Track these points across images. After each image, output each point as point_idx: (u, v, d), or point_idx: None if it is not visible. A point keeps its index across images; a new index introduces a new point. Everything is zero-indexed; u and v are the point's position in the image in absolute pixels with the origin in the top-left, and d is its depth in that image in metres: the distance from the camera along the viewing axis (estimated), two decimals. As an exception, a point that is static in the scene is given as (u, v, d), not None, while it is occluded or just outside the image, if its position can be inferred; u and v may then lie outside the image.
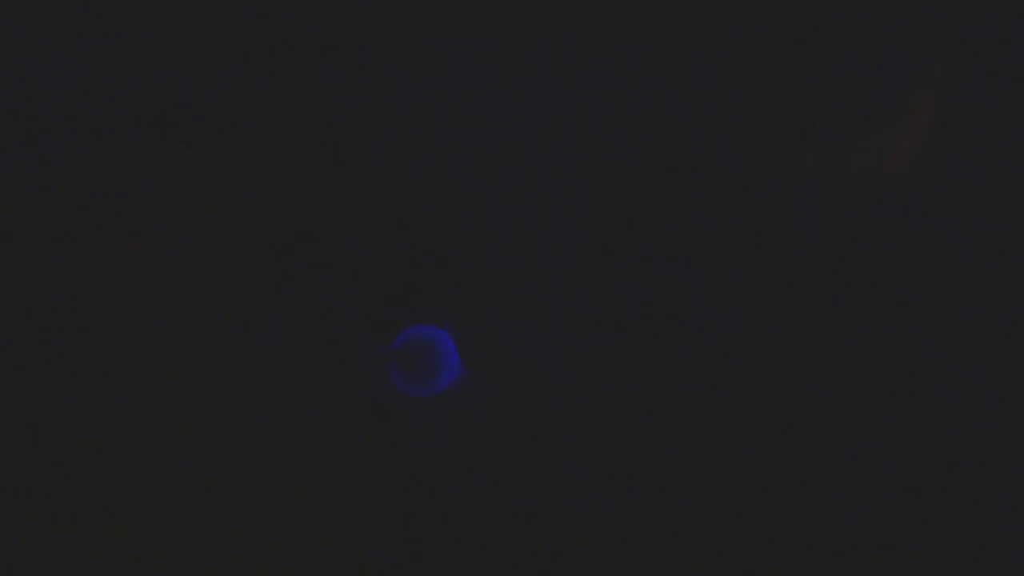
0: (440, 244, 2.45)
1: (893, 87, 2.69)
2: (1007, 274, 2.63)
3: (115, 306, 2.75)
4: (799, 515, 2.43)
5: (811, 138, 2.75)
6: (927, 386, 2.60)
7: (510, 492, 2.45)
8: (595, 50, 2.71)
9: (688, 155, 2.80)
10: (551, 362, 2.52)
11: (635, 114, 2.76)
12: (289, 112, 2.87)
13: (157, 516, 2.57)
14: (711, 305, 2.77)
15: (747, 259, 2.78)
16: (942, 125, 2.67)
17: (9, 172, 2.59)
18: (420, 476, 2.54)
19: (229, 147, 2.88)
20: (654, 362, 2.77)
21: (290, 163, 2.88)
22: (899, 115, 2.70)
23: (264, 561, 2.45)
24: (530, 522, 2.43)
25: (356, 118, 2.76)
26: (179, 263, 2.97)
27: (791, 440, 2.60)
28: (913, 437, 2.53)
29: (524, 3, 2.67)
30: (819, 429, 2.61)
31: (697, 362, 2.75)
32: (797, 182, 2.76)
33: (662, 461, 2.62)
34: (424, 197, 2.44)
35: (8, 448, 2.54)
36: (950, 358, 2.62)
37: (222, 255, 2.97)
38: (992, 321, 2.61)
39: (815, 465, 2.53)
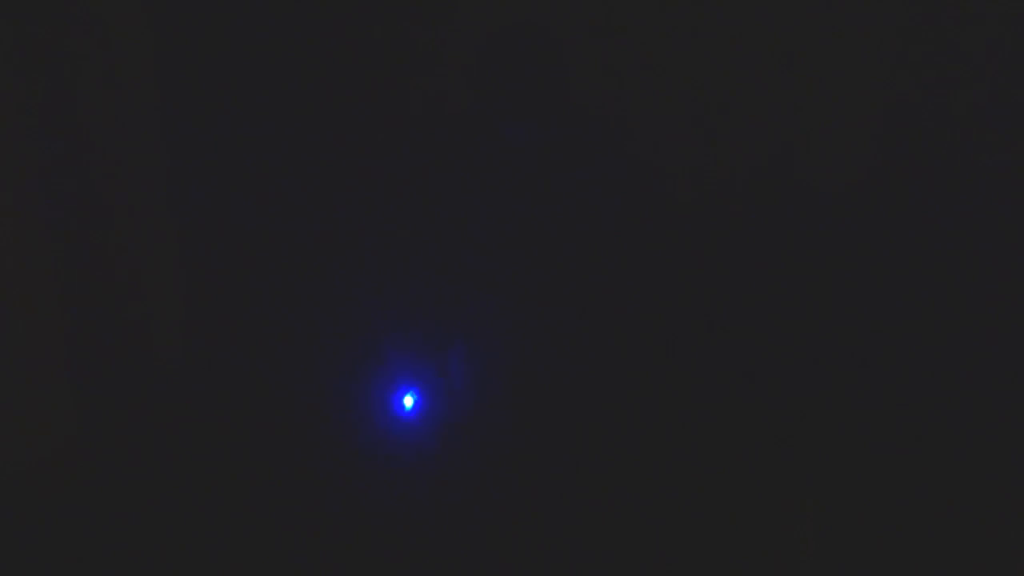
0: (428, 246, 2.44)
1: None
2: (1005, 274, 2.62)
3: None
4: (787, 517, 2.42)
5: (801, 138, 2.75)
6: (923, 386, 2.59)
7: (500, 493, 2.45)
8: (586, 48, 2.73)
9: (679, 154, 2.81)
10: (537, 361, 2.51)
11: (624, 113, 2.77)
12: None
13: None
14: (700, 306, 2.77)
15: (742, 259, 2.78)
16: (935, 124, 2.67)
17: None
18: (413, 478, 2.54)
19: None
20: (648, 363, 2.77)
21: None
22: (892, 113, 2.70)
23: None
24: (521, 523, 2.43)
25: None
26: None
27: (782, 443, 2.59)
28: (908, 438, 2.53)
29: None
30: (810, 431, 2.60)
31: (690, 363, 2.75)
32: (789, 183, 2.76)
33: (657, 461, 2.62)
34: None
35: None
36: (947, 359, 2.61)
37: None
38: (990, 321, 2.60)
39: (807, 466, 2.53)
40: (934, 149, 2.66)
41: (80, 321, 2.70)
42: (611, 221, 2.70)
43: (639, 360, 2.79)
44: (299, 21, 2.87)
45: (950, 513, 2.36)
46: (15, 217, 2.54)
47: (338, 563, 2.40)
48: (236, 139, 2.89)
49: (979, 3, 2.56)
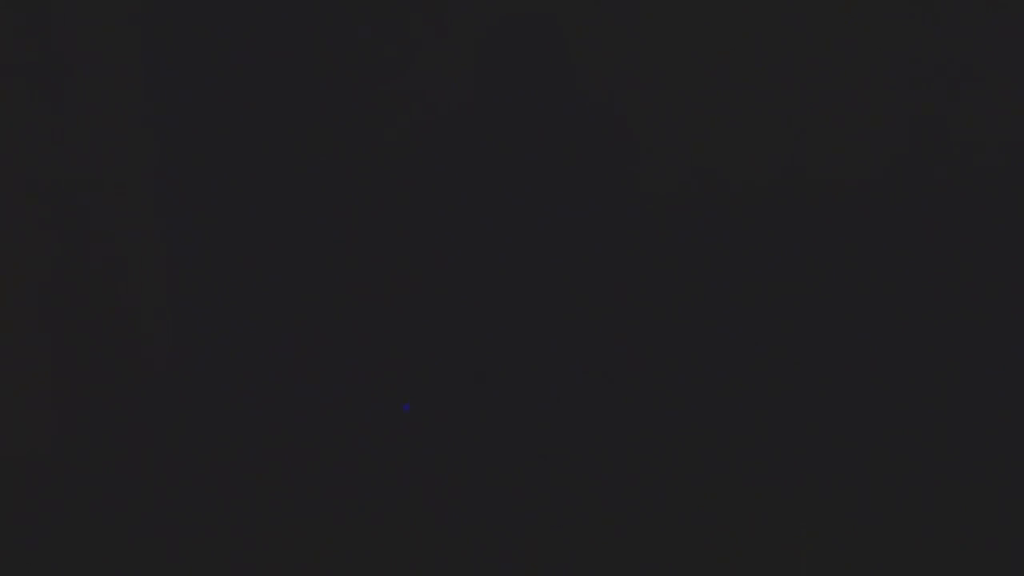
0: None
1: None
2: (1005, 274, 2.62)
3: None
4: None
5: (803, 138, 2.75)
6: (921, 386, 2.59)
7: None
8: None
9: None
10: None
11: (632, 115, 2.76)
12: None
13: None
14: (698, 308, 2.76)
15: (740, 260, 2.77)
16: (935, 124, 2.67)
17: None
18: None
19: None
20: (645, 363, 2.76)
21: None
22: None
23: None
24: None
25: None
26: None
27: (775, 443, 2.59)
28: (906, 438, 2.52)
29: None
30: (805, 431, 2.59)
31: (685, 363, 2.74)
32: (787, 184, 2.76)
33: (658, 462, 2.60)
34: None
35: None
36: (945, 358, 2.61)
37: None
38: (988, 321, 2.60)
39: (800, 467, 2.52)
40: (939, 153, 2.67)
41: (69, 321, 2.69)
42: (613, 219, 2.69)
43: (642, 358, 2.78)
44: (294, 20, 2.87)
45: (948, 512, 2.35)
46: (6, 216, 2.53)
47: (334, 563, 2.39)
48: (229, 138, 2.88)
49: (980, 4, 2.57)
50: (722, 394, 2.69)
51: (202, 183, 2.92)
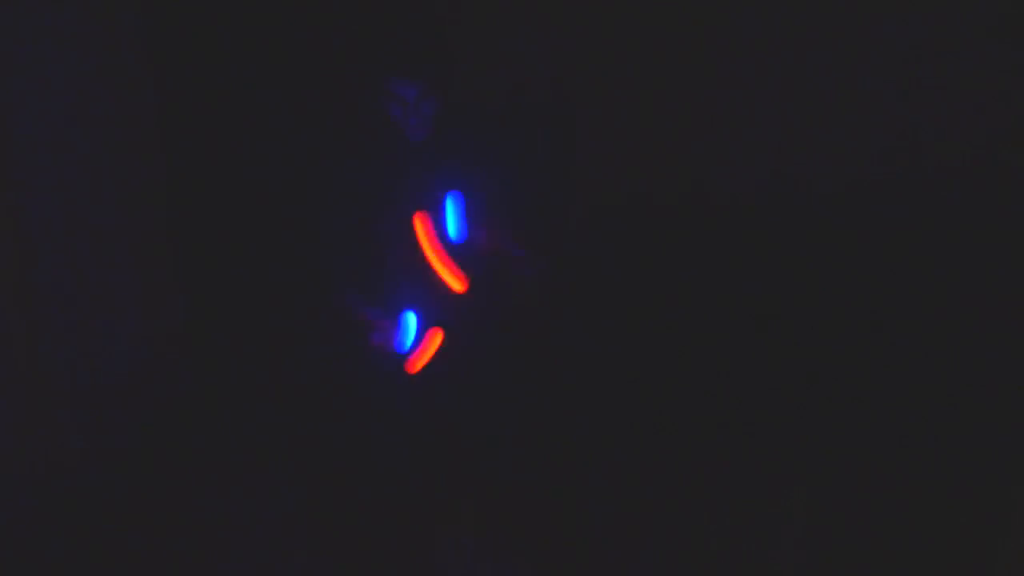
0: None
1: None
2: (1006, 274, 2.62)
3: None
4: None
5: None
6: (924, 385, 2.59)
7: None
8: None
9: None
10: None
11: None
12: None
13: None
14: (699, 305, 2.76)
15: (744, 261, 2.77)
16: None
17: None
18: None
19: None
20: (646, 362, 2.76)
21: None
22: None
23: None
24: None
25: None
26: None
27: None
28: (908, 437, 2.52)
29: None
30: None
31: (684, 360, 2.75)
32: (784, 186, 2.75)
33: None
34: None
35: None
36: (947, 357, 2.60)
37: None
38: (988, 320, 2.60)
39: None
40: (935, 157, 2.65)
41: (79, 322, 2.70)
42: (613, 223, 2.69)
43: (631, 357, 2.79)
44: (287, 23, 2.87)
45: (945, 512, 2.35)
46: (15, 218, 2.53)
47: (337, 562, 2.41)
48: (233, 138, 2.88)
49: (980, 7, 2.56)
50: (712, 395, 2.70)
51: (210, 182, 2.92)
